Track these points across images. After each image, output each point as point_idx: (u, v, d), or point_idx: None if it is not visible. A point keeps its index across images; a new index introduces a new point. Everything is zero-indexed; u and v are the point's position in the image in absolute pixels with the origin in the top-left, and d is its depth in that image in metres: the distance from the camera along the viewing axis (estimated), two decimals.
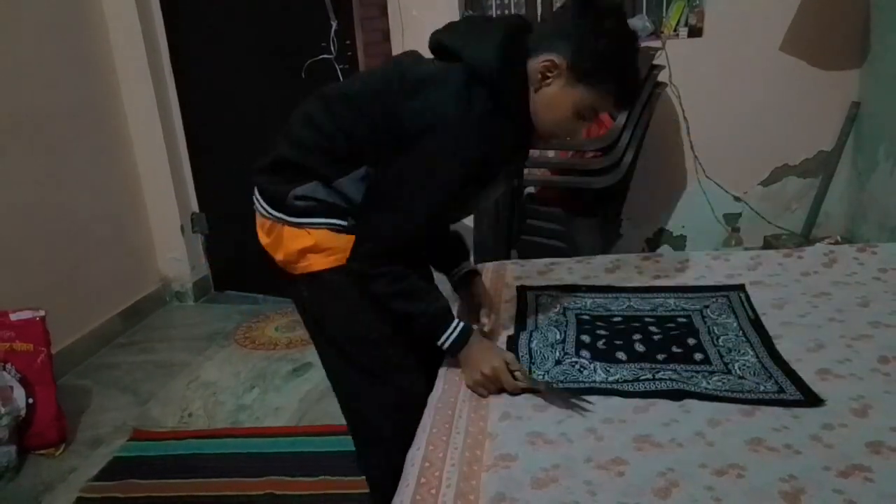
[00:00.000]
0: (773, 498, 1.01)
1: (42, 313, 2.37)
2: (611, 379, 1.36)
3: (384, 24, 3.24)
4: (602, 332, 1.56)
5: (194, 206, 3.62)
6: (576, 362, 1.42)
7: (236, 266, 3.69)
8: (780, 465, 1.08)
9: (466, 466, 1.14)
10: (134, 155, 3.41)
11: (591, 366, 1.40)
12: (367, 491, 2.02)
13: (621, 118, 2.53)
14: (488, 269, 2.04)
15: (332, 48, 3.02)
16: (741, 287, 1.74)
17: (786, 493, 1.02)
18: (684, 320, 1.63)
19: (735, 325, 1.58)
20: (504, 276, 1.98)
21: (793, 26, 2.88)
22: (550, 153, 2.76)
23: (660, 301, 1.72)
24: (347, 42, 2.99)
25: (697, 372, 1.38)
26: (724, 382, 1.33)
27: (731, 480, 1.06)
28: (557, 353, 1.46)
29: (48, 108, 2.88)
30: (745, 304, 1.67)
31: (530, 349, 1.50)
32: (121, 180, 3.34)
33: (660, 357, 1.44)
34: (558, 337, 1.56)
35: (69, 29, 3.01)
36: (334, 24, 2.98)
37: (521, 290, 1.86)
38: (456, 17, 3.10)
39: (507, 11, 3.32)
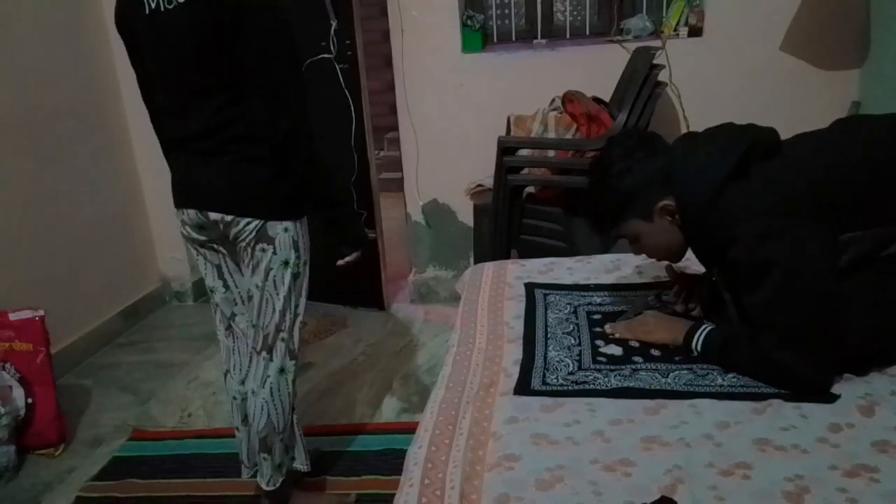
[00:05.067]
0: (776, 497, 1.02)
1: (41, 313, 2.36)
2: (625, 384, 1.37)
3: (384, 24, 3.24)
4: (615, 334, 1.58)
5: None
6: (589, 375, 1.43)
7: None
8: (787, 465, 1.09)
9: (469, 467, 1.14)
10: (134, 155, 3.40)
11: (606, 378, 1.41)
12: (366, 491, 2.04)
13: (621, 118, 2.53)
14: (489, 269, 2.05)
15: (332, 48, 3.01)
16: None
17: (789, 493, 1.02)
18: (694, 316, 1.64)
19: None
20: (504, 275, 1.98)
21: (793, 26, 2.88)
22: (550, 153, 2.76)
23: (668, 299, 1.72)
24: (347, 42, 2.99)
25: (713, 369, 1.39)
26: (738, 378, 1.35)
27: (736, 480, 1.06)
28: (572, 365, 1.47)
29: (48, 108, 2.87)
30: None
31: (546, 356, 1.50)
32: (121, 180, 3.33)
33: (676, 358, 1.45)
34: (573, 341, 1.57)
35: (69, 29, 3.00)
36: (334, 24, 2.98)
37: (530, 288, 1.86)
38: (456, 18, 3.09)
39: (506, 12, 3.32)
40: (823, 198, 1.32)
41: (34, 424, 2.32)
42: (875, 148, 1.39)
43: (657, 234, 1.49)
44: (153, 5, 1.62)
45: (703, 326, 1.46)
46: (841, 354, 1.31)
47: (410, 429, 1.42)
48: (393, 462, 2.08)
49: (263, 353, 1.79)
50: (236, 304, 1.87)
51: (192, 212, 1.73)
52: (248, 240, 1.68)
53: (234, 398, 1.91)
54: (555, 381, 1.40)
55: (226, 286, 1.85)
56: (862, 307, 1.30)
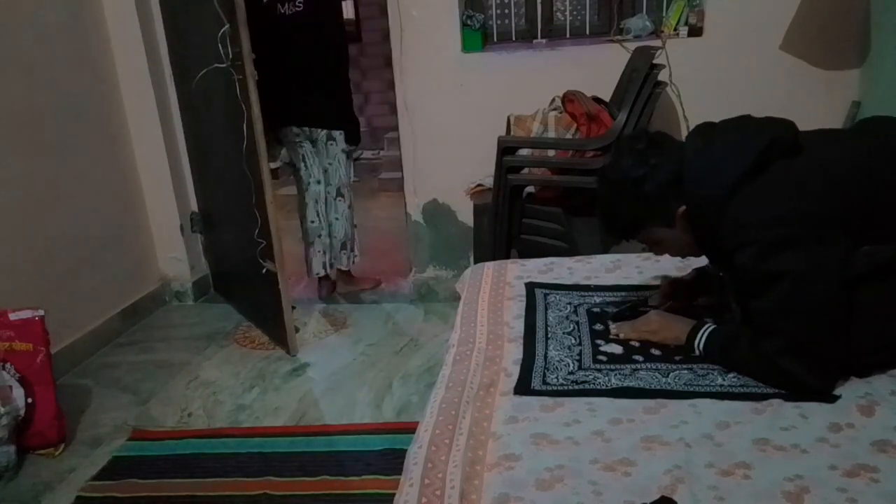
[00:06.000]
0: (776, 497, 1.02)
1: (41, 313, 2.36)
2: (625, 384, 1.37)
3: (384, 24, 3.24)
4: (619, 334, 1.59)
5: (194, 205, 3.61)
6: (589, 374, 1.43)
7: None
8: (787, 465, 1.09)
9: (469, 467, 1.14)
10: (134, 155, 3.40)
11: (606, 377, 1.41)
12: (366, 491, 2.04)
13: (621, 117, 2.53)
14: (489, 269, 2.05)
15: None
16: None
17: (789, 493, 1.02)
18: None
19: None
20: (505, 275, 1.98)
21: (793, 26, 2.88)
22: (550, 153, 2.76)
23: (653, 302, 1.72)
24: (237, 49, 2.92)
25: (713, 369, 1.39)
26: (738, 378, 1.36)
27: (736, 480, 1.06)
28: (572, 365, 1.47)
29: (48, 108, 2.87)
30: None
31: (546, 356, 1.50)
32: (121, 180, 3.33)
33: (676, 357, 1.45)
34: (573, 341, 1.57)
35: (69, 29, 3.00)
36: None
37: (530, 287, 1.86)
38: (456, 18, 3.09)
39: (506, 11, 3.32)
40: (845, 204, 1.29)
41: (34, 424, 2.32)
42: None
43: (679, 238, 1.47)
44: (282, 10, 3.13)
45: (706, 326, 1.45)
46: (844, 362, 1.30)
47: (410, 429, 1.42)
48: (393, 462, 2.08)
49: (339, 198, 3.41)
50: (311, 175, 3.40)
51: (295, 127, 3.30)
52: (323, 139, 3.32)
53: (306, 231, 3.46)
54: (555, 380, 1.40)
55: (307, 166, 3.36)
56: (867, 317, 1.29)
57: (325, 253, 3.46)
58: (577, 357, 1.49)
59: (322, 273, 3.48)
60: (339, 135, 3.30)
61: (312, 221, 3.42)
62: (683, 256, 1.61)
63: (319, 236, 3.43)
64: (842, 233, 1.27)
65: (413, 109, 3.22)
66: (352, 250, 3.52)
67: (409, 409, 2.48)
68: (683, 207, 1.40)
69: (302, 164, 3.36)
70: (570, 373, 1.43)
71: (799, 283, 1.26)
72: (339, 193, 3.40)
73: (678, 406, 1.27)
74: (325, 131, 3.28)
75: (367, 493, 2.05)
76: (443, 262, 3.46)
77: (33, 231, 2.79)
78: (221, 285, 3.69)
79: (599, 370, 1.44)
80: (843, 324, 1.27)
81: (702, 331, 1.44)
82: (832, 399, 1.25)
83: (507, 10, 3.31)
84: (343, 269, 3.55)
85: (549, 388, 1.38)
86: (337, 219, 3.44)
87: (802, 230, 1.27)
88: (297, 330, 3.06)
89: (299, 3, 3.09)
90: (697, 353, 1.44)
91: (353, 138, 3.38)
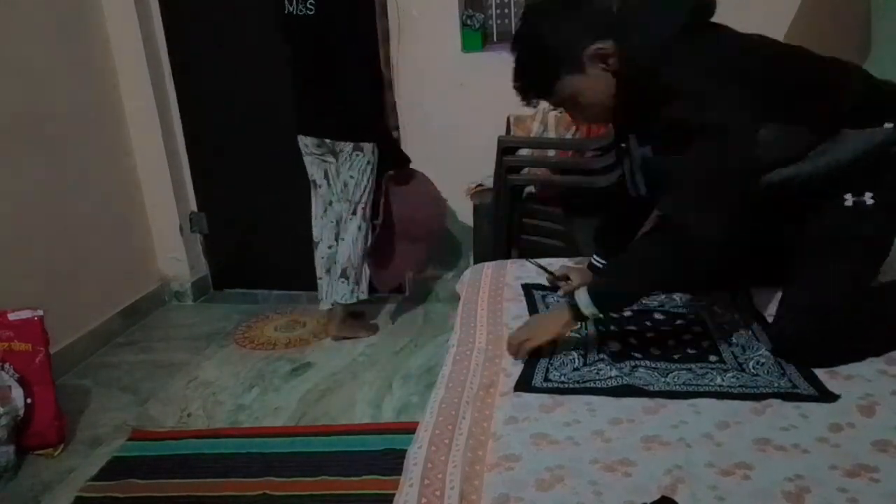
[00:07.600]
0: (776, 497, 1.01)
1: (40, 313, 2.36)
2: (625, 381, 1.37)
3: (384, 24, 3.24)
4: (614, 327, 1.60)
5: (193, 205, 3.61)
6: (592, 368, 1.43)
7: (235, 266, 3.68)
8: (787, 465, 1.08)
9: (469, 467, 1.14)
10: (133, 155, 3.40)
11: (609, 367, 1.41)
12: (366, 491, 2.04)
13: None
14: (488, 269, 2.04)
15: None
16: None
17: (789, 493, 1.02)
18: (693, 316, 1.65)
19: (742, 322, 1.60)
20: (504, 275, 1.98)
21: (793, 26, 2.88)
22: (550, 153, 2.76)
23: (666, 297, 1.73)
24: None
25: (712, 369, 1.39)
26: (737, 379, 1.35)
27: (736, 480, 1.06)
28: (578, 361, 1.47)
29: (48, 108, 2.87)
30: (749, 303, 1.68)
31: (551, 352, 1.50)
32: (121, 180, 3.33)
33: (675, 356, 1.46)
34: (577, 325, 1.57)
35: (69, 30, 3.00)
36: None
37: (528, 289, 1.86)
38: (456, 18, 3.10)
39: (506, 11, 3.32)
40: (764, 74, 1.37)
41: (33, 424, 2.32)
42: (826, 61, 1.50)
43: (592, 86, 1.40)
44: (290, 8, 2.76)
45: (578, 290, 1.43)
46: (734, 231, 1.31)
47: (410, 429, 1.41)
48: (393, 462, 2.08)
49: (352, 216, 2.94)
50: (334, 193, 3.00)
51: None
52: (349, 150, 2.86)
53: (323, 257, 3.04)
54: (557, 377, 1.40)
55: (329, 184, 2.99)
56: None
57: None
58: (583, 350, 1.49)
59: (328, 307, 3.09)
60: (368, 146, 2.87)
61: (330, 246, 3.04)
62: (595, 121, 1.54)
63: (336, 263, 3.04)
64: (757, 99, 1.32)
65: (413, 109, 3.22)
66: (356, 283, 3.00)
67: (409, 410, 2.48)
68: (597, 45, 1.36)
69: (324, 181, 2.99)
70: (575, 369, 1.43)
71: (717, 137, 1.28)
72: (353, 211, 2.94)
73: (678, 406, 1.27)
74: (351, 143, 2.85)
75: (367, 493, 2.05)
76: (443, 262, 3.46)
77: (33, 231, 2.79)
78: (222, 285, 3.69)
79: (602, 360, 1.44)
80: (742, 194, 1.31)
81: (577, 295, 1.41)
82: (830, 397, 1.26)
83: (507, 10, 3.31)
84: (341, 302, 3.03)
85: (550, 384, 1.37)
86: (342, 239, 2.98)
87: (728, 88, 1.30)
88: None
89: (311, 4, 2.72)
90: (588, 312, 1.39)
91: (391, 159, 2.96)
